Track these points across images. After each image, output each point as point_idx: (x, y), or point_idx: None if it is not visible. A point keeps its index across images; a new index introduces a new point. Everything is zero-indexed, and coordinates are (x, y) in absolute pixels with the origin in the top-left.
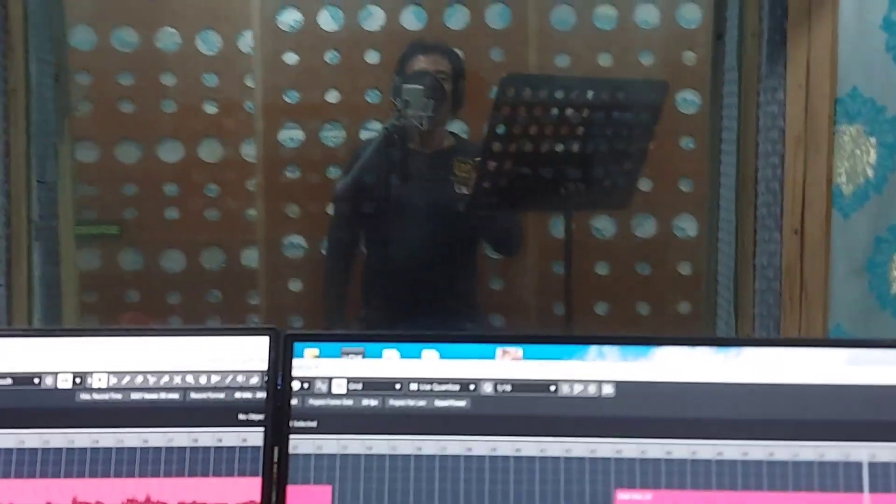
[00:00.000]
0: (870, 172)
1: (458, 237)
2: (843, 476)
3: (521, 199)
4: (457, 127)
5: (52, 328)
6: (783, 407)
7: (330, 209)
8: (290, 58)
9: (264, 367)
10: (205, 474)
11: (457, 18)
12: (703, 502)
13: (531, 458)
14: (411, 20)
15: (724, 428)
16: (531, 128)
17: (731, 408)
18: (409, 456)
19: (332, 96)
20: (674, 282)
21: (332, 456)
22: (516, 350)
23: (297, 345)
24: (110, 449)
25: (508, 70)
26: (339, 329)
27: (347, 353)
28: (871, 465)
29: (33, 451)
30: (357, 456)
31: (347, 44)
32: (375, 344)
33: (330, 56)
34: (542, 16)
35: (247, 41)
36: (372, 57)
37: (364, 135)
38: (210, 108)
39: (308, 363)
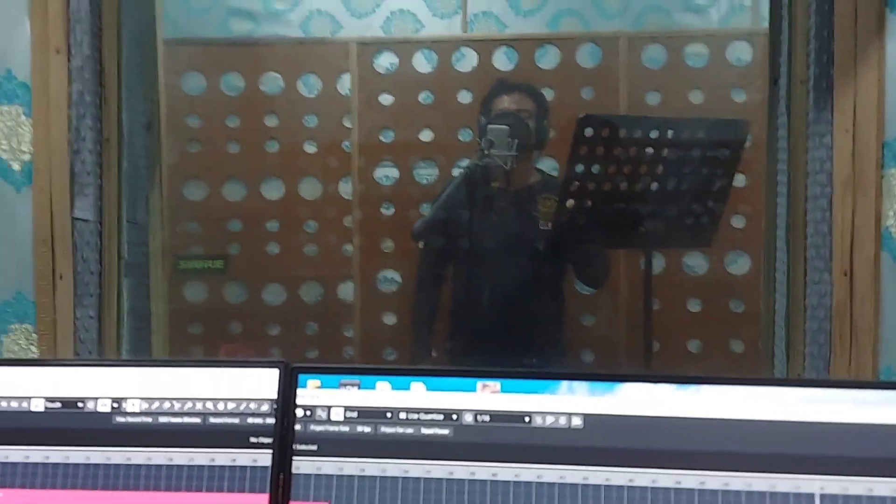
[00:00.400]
0: None
1: (542, 272)
2: None
3: (599, 237)
4: (547, 164)
5: (94, 359)
6: (739, 440)
7: (420, 245)
8: (386, 99)
9: (273, 395)
10: (220, 490)
11: (548, 58)
12: None
13: (506, 483)
14: (503, 61)
15: (682, 459)
16: (609, 167)
17: (689, 440)
18: (397, 478)
19: (426, 135)
20: (726, 319)
21: (329, 476)
22: (495, 384)
23: (301, 376)
24: (140, 465)
25: (600, 108)
26: (422, 361)
27: (345, 385)
28: (822, 497)
29: (76, 465)
30: (351, 477)
31: (440, 84)
32: (369, 377)
33: (423, 96)
34: (633, 54)
35: (345, 84)
36: (464, 97)
37: (456, 172)
38: (310, 148)
39: (310, 393)
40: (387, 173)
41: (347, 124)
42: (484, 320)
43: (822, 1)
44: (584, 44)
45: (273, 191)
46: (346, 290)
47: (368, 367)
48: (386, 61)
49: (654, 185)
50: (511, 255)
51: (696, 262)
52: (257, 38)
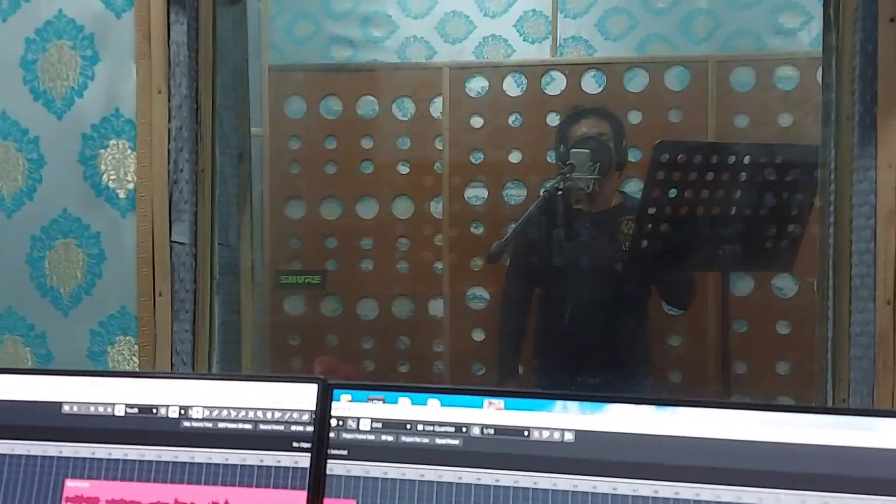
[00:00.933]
0: None
1: (625, 293)
2: None
3: (678, 260)
4: (634, 186)
5: (166, 372)
6: (709, 456)
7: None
8: (476, 121)
9: (312, 407)
10: (267, 487)
11: (636, 82)
12: None
13: (507, 488)
14: (591, 84)
15: (660, 471)
16: (686, 191)
17: (667, 455)
18: (414, 481)
19: (515, 156)
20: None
21: (357, 478)
22: (499, 402)
23: (335, 391)
24: (202, 464)
25: (688, 131)
26: (507, 380)
27: (372, 400)
28: None
29: (150, 462)
30: (376, 479)
31: (530, 107)
32: (392, 393)
33: (513, 119)
34: (721, 77)
35: (437, 107)
36: (553, 119)
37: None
38: (403, 169)
39: (343, 406)
40: (477, 193)
41: (439, 146)
42: (568, 340)
43: (865, 42)
44: (672, 67)
45: (368, 210)
46: (437, 307)
47: (391, 385)
48: (477, 85)
49: (733, 209)
50: (594, 276)
51: (785, 285)
52: (356, 64)
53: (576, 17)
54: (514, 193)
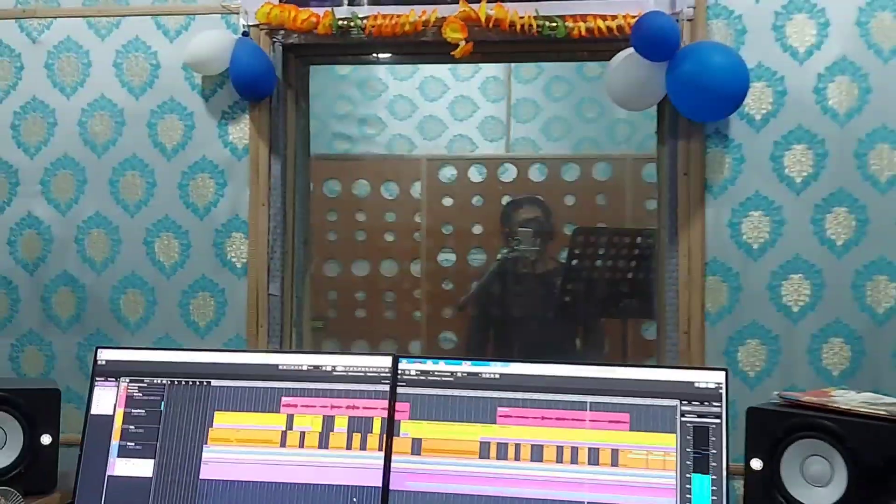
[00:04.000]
0: None
1: (559, 335)
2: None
3: (591, 310)
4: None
5: (306, 350)
6: (569, 385)
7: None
8: (447, 201)
9: (390, 364)
10: (371, 398)
11: (571, 173)
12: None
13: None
14: (536, 174)
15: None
16: (597, 261)
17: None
18: (433, 396)
19: (477, 229)
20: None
21: (409, 394)
22: (501, 364)
23: (400, 359)
24: (342, 389)
25: (611, 212)
26: None
27: (416, 363)
28: (593, 405)
29: (319, 389)
30: (423, 396)
31: (489, 191)
32: (426, 359)
33: (476, 199)
34: (636, 171)
35: (417, 189)
36: (506, 200)
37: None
38: (389, 237)
39: (404, 366)
40: (447, 257)
41: (418, 219)
42: None
43: (672, 181)
44: (598, 162)
45: (361, 269)
46: (416, 347)
47: (428, 356)
48: (448, 173)
49: (629, 274)
50: (533, 322)
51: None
52: (353, 155)
53: (525, 122)
54: (477, 258)
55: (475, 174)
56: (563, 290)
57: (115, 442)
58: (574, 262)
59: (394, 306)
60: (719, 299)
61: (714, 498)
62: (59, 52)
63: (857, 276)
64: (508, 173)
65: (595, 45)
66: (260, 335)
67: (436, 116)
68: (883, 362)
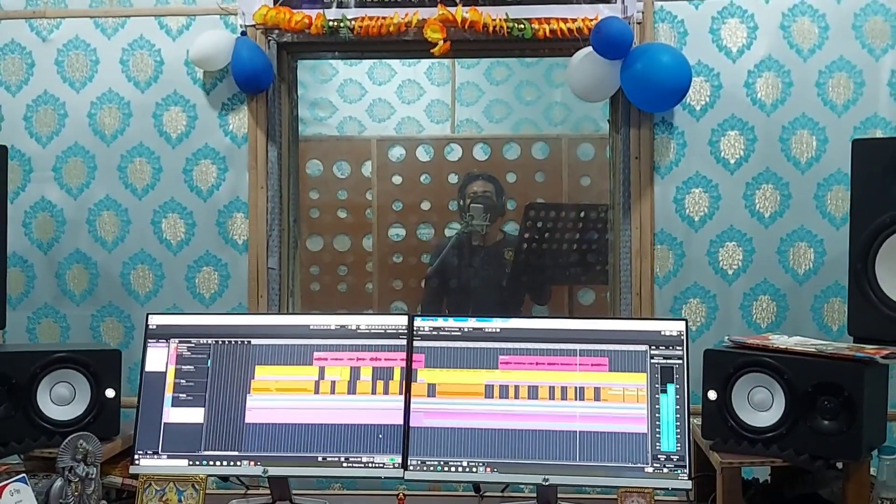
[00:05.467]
0: None
1: (507, 300)
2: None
3: (543, 277)
4: (511, 226)
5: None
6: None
7: (423, 284)
8: (397, 179)
9: (406, 322)
10: (391, 350)
11: (512, 152)
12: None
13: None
14: (480, 153)
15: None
16: (545, 234)
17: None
18: (443, 348)
19: (425, 205)
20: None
21: (424, 347)
22: (501, 321)
23: (414, 317)
24: (366, 344)
25: (548, 188)
26: None
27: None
28: (577, 351)
29: (346, 345)
30: (431, 347)
31: (436, 169)
32: (436, 317)
33: (423, 178)
34: (571, 150)
35: (367, 168)
36: (452, 178)
37: (447, 232)
38: (342, 214)
39: (418, 323)
40: (397, 232)
41: (369, 197)
42: None
43: (625, 163)
44: (537, 142)
45: (316, 245)
46: None
47: (437, 315)
48: (397, 153)
49: (574, 245)
50: (487, 290)
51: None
52: (306, 136)
53: (468, 105)
54: (425, 232)
55: (423, 154)
56: (515, 261)
57: (168, 394)
58: (526, 234)
59: (347, 279)
60: (666, 265)
61: (677, 416)
62: (68, 49)
63: (782, 243)
64: (454, 153)
65: (557, 44)
66: (260, 304)
67: (384, 100)
68: (804, 315)
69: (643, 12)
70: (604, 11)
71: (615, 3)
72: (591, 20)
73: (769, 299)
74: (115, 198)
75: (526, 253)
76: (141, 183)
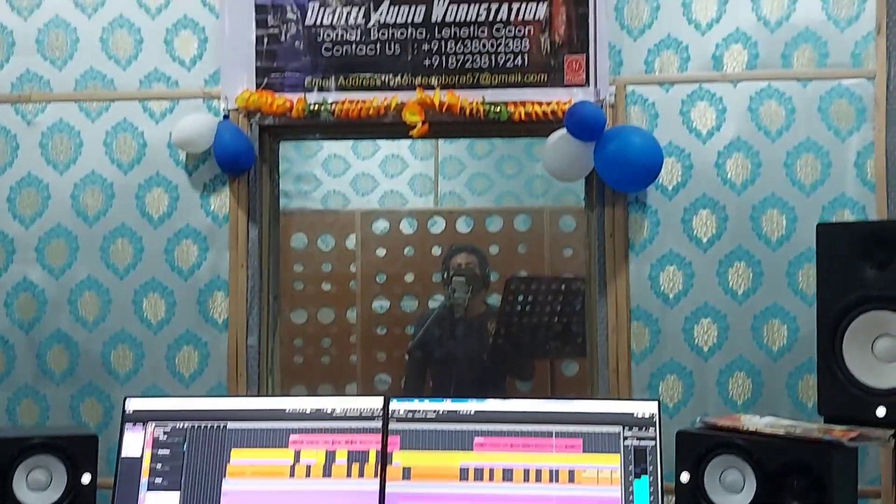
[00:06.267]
0: None
1: (491, 373)
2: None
3: (523, 351)
4: (494, 298)
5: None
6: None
7: (406, 357)
8: (381, 252)
9: (381, 406)
10: (365, 432)
11: (494, 224)
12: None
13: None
14: (463, 226)
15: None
16: (527, 307)
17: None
18: (417, 431)
19: (409, 277)
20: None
21: (399, 431)
22: (477, 402)
23: (391, 399)
24: (339, 429)
25: (530, 260)
26: None
27: (403, 402)
28: (552, 433)
29: (315, 429)
30: (410, 430)
31: (419, 242)
32: (411, 399)
33: (407, 250)
34: (553, 222)
35: (351, 241)
36: (436, 251)
37: (431, 304)
38: (326, 287)
39: (394, 406)
40: (381, 304)
41: (353, 269)
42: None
43: (600, 241)
44: (519, 214)
45: (299, 317)
46: (352, 390)
47: (410, 399)
48: (381, 225)
49: (556, 318)
50: (470, 363)
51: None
52: (290, 209)
53: (451, 178)
54: (409, 304)
55: (406, 226)
56: (496, 333)
57: (144, 479)
58: (507, 308)
59: (330, 351)
60: (642, 341)
61: (651, 499)
62: (52, 132)
63: (756, 319)
64: (437, 225)
65: (533, 126)
66: (240, 383)
67: (368, 173)
68: (779, 392)
69: (615, 95)
70: (577, 95)
71: (588, 86)
72: (565, 103)
73: (744, 376)
74: (96, 278)
75: (507, 327)
76: (122, 263)
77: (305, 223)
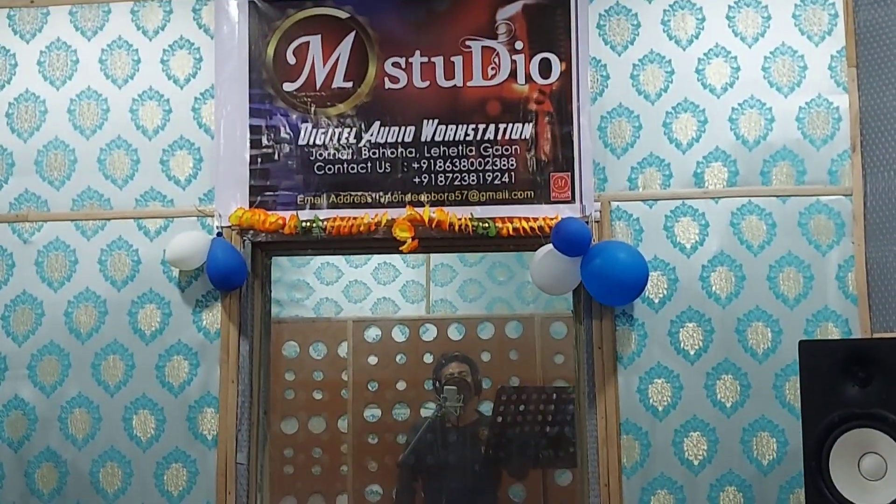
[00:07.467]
0: None
1: (484, 480)
2: None
3: (514, 462)
4: (486, 406)
5: None
6: None
7: (397, 466)
8: (372, 359)
9: None
10: None
11: (486, 331)
12: None
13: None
14: (455, 333)
15: None
16: (518, 416)
17: None
18: None
19: (401, 385)
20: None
21: None
22: None
23: None
24: None
25: (522, 366)
26: None
27: None
28: None
29: None
30: None
31: (411, 349)
32: None
33: (399, 358)
34: (544, 329)
35: (343, 349)
36: (427, 358)
37: (423, 412)
38: (317, 395)
39: None
40: (373, 413)
41: (345, 377)
42: None
43: (588, 354)
44: (510, 321)
45: (290, 427)
46: (342, 501)
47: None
48: (373, 333)
49: (547, 428)
50: (462, 472)
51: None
52: (282, 318)
53: (443, 285)
54: (401, 412)
55: (398, 334)
56: (488, 443)
57: None
58: (498, 418)
59: (321, 461)
60: (633, 455)
61: None
62: (48, 251)
63: (745, 432)
64: (429, 333)
65: (520, 241)
66: (228, 501)
67: (360, 281)
68: None
69: (600, 211)
70: (564, 211)
71: (574, 203)
72: (552, 219)
73: (735, 490)
74: (87, 395)
75: (499, 437)
76: (113, 379)
77: (297, 331)
